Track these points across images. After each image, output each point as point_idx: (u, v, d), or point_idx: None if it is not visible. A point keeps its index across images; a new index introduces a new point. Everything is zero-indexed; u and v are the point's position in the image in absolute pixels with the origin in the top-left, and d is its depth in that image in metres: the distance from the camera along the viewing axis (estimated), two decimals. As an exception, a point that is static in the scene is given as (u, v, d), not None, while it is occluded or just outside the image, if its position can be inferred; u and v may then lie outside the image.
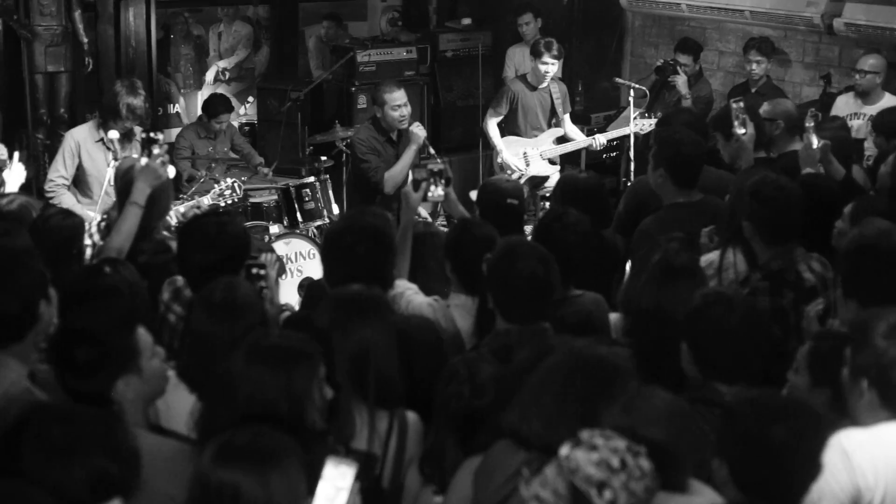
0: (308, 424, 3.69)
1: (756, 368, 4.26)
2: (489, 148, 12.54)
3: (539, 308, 4.75)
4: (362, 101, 12.15)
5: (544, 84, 10.54)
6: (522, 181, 10.29)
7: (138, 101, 7.96)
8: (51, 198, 7.98)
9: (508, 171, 10.38)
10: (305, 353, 3.77)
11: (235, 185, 8.90)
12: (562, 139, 10.75)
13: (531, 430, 3.57)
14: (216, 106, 10.97)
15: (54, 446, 3.07)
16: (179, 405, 4.28)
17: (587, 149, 11.01)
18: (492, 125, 10.66)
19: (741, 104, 7.17)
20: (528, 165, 10.57)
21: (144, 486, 3.28)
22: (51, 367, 3.98)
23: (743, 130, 7.03)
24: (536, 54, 10.52)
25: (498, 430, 3.73)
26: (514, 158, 10.54)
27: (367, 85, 11.88)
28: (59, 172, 8.13)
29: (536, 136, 10.67)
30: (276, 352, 3.74)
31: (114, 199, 6.44)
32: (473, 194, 9.77)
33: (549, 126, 10.71)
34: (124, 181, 6.01)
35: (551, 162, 10.72)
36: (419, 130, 8.75)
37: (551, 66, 10.45)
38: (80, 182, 8.17)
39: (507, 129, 10.67)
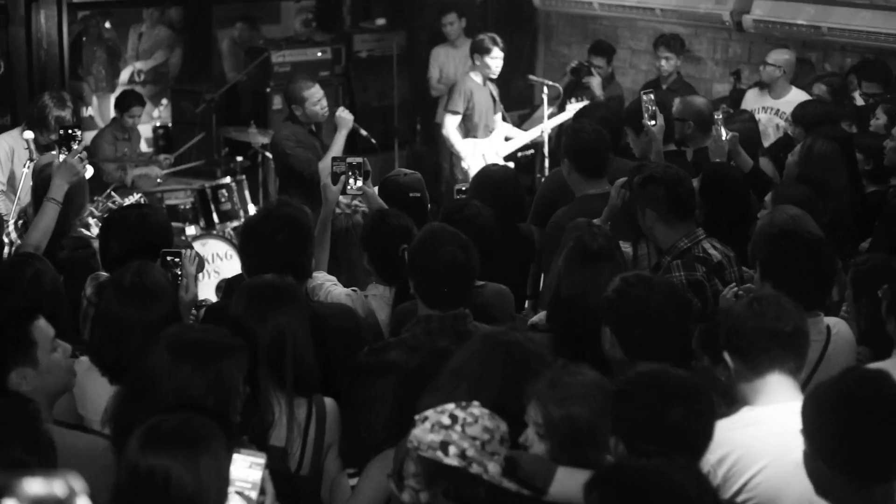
0: (231, 418, 3.68)
1: (681, 345, 4.30)
2: (403, 148, 12.61)
3: (460, 293, 4.78)
4: (277, 102, 12.12)
5: (488, 81, 10.60)
6: None
7: (66, 114, 7.99)
8: None
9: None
10: (232, 347, 3.77)
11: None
12: (507, 137, 10.79)
13: None
14: (129, 99, 10.87)
15: None
16: (93, 390, 4.28)
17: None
18: (452, 128, 10.58)
19: (651, 96, 7.28)
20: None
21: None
22: None
23: (653, 122, 7.14)
24: (483, 50, 10.53)
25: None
26: (476, 162, 10.42)
27: (282, 86, 11.87)
28: None
29: (488, 135, 10.67)
30: (204, 346, 3.72)
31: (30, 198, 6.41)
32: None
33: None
34: (41, 178, 5.99)
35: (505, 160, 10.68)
36: (346, 115, 8.76)
37: (500, 61, 10.51)
38: (10, 187, 8.13)
39: (461, 129, 10.64)
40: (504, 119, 10.91)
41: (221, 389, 3.65)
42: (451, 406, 3.33)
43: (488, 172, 7.08)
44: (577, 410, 3.44)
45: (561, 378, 3.51)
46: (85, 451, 3.72)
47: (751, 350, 3.86)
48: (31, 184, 6.31)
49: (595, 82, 10.98)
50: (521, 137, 10.75)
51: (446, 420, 3.29)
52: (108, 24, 12.94)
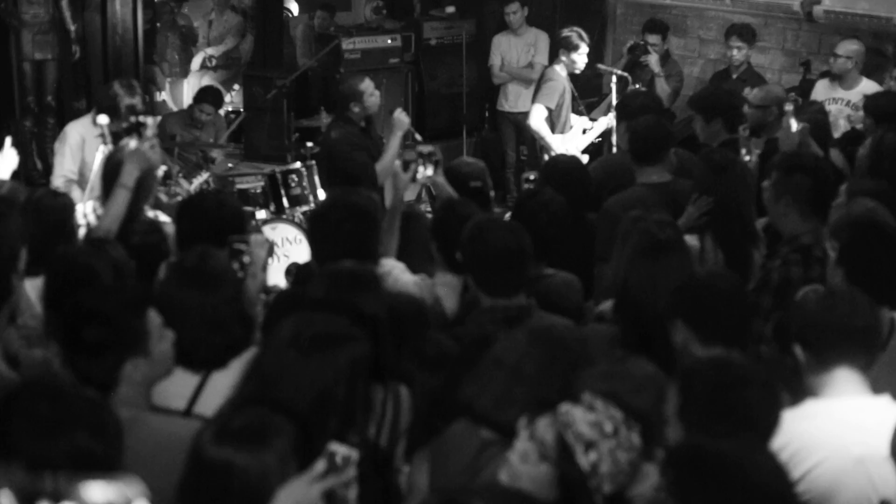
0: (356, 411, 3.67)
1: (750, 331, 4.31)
2: (472, 135, 12.65)
3: (516, 279, 4.79)
4: (347, 90, 12.18)
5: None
6: None
7: (137, 101, 8.01)
8: None
9: None
10: (358, 338, 3.72)
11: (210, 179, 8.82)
12: (584, 129, 10.82)
13: (482, 406, 3.59)
14: (204, 95, 11.03)
15: (41, 421, 3.05)
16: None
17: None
18: (541, 119, 10.70)
19: (747, 133, 7.23)
20: None
21: (149, 465, 3.27)
22: (59, 348, 3.93)
23: (748, 158, 7.07)
24: (572, 47, 10.63)
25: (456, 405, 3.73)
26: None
27: (353, 72, 11.94)
28: (67, 167, 8.04)
29: (568, 131, 10.75)
30: (334, 338, 3.67)
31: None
32: None
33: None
34: (110, 166, 6.05)
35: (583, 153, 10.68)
36: (403, 116, 8.70)
37: (586, 57, 10.62)
38: (81, 176, 8.19)
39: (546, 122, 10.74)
40: (581, 113, 10.92)
41: (352, 382, 3.60)
42: (620, 415, 3.23)
43: (557, 162, 7.09)
44: (637, 401, 3.36)
45: (614, 369, 3.47)
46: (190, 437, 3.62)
47: (820, 344, 3.87)
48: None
49: (653, 59, 10.94)
50: (595, 129, 10.74)
51: (609, 428, 3.21)
52: (184, 10, 13.10)
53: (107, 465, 3.04)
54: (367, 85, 8.76)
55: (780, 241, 5.64)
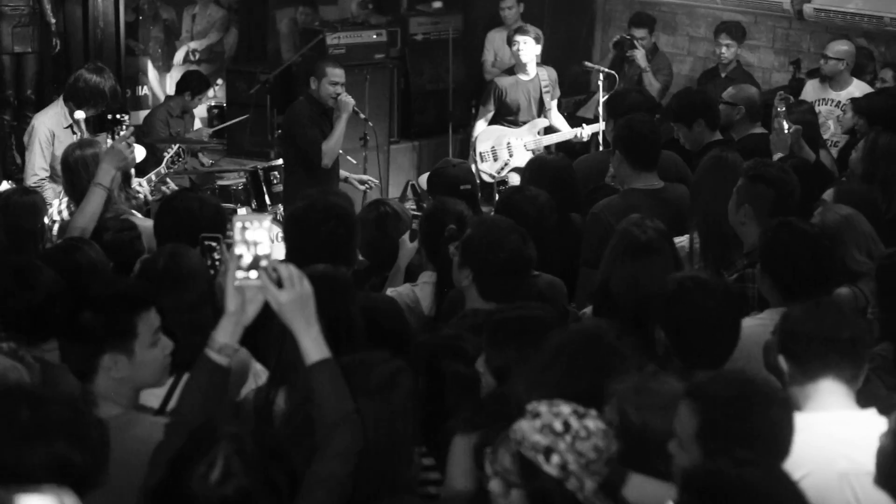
0: None
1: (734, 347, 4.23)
2: (458, 132, 12.56)
3: (520, 285, 4.77)
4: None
5: (531, 74, 10.53)
6: (505, 172, 10.32)
7: (107, 83, 7.92)
8: None
9: (489, 160, 10.40)
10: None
11: (181, 149, 8.72)
12: (548, 129, 10.70)
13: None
14: (200, 84, 11.08)
15: (17, 429, 3.01)
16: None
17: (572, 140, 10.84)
18: (479, 127, 10.76)
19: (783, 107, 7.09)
20: (511, 156, 10.53)
21: (129, 466, 3.29)
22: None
23: (787, 127, 6.93)
24: (510, 42, 10.58)
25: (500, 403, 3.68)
26: (498, 148, 10.52)
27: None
28: (39, 164, 8.01)
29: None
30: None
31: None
32: (422, 180, 9.77)
33: (539, 116, 10.66)
34: (67, 162, 6.08)
35: (534, 153, 10.59)
36: (348, 98, 8.70)
37: (526, 47, 10.43)
38: (52, 170, 8.10)
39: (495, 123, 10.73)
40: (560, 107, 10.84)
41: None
42: (566, 410, 3.20)
43: (542, 161, 7.01)
44: (654, 420, 3.40)
45: (646, 384, 3.48)
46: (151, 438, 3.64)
47: (805, 355, 3.81)
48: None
49: (639, 55, 10.92)
50: (558, 135, 10.66)
51: (559, 426, 3.16)
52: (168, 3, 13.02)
53: (86, 477, 3.05)
54: (334, 72, 8.74)
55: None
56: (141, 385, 3.89)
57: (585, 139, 10.57)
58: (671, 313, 4.22)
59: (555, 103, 10.71)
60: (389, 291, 5.35)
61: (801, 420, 3.72)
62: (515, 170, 10.41)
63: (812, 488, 3.53)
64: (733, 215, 5.56)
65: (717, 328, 4.18)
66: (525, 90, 10.57)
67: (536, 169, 6.75)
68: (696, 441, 3.30)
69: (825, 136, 8.92)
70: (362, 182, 9.19)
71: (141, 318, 3.81)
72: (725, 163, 6.00)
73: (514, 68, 10.63)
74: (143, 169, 7.97)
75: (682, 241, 5.85)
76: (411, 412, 3.50)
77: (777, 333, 3.94)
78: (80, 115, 7.89)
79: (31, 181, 7.97)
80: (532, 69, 10.49)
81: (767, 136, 7.28)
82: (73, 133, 7.96)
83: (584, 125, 10.57)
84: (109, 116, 6.07)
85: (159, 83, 13.01)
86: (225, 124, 11.40)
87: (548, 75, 10.60)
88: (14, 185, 7.58)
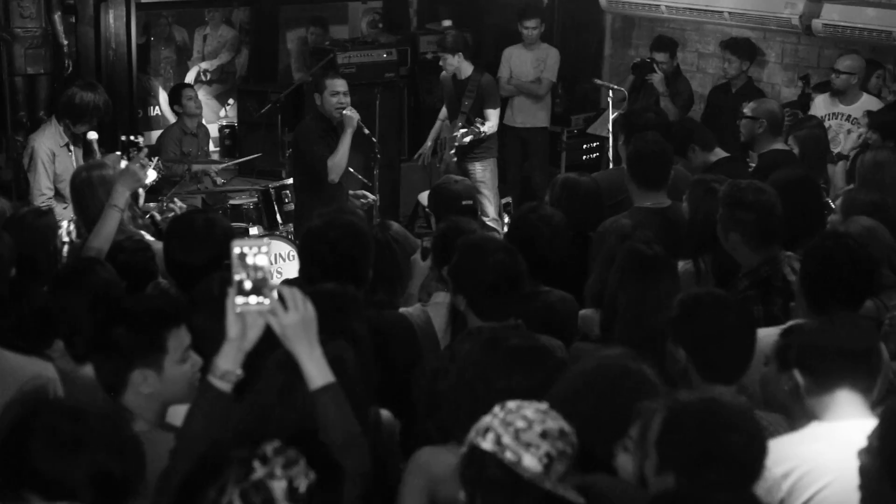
0: None
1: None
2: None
3: (512, 301, 4.73)
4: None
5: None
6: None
7: (100, 98, 7.98)
8: None
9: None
10: None
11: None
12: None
13: None
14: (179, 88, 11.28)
15: (61, 441, 3.04)
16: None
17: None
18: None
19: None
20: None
21: (150, 486, 3.28)
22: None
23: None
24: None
25: None
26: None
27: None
28: (45, 184, 8.09)
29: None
30: None
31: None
32: (423, 196, 9.78)
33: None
34: (75, 184, 6.12)
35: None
36: (352, 113, 8.73)
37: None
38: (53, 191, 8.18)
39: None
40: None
41: None
42: (512, 403, 3.26)
43: (574, 182, 6.71)
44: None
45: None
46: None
47: (822, 368, 3.84)
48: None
49: (657, 79, 10.90)
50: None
51: (496, 409, 3.25)
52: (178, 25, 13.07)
53: (126, 487, 3.07)
54: (334, 83, 8.82)
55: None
56: (169, 401, 3.91)
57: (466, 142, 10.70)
58: (690, 329, 4.22)
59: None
60: (401, 311, 5.35)
61: (820, 430, 3.82)
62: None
63: (835, 496, 3.65)
64: (724, 243, 5.60)
65: (736, 342, 4.20)
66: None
67: (570, 188, 6.65)
68: (656, 450, 3.30)
69: (835, 151, 8.93)
70: (357, 197, 9.20)
71: (171, 333, 3.83)
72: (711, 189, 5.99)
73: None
74: (154, 188, 8.00)
75: (685, 264, 5.85)
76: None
77: (793, 349, 3.93)
78: (93, 135, 7.94)
79: (38, 201, 8.03)
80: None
81: (789, 153, 7.31)
82: (69, 151, 8.03)
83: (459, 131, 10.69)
84: (123, 138, 6.11)
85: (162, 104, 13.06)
86: (235, 161, 11.40)
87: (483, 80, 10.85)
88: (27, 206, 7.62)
